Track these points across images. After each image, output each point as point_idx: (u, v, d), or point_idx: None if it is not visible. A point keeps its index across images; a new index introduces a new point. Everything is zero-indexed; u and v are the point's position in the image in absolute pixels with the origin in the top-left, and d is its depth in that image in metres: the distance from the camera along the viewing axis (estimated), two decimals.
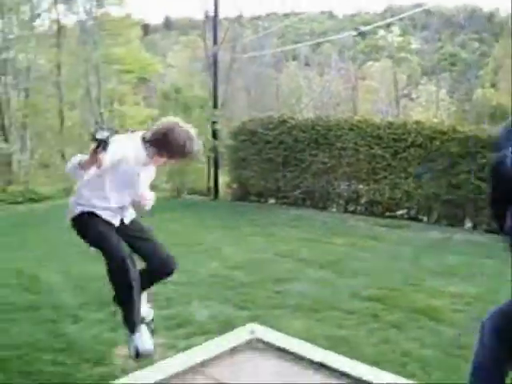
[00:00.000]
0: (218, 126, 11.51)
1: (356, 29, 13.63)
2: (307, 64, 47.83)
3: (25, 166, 13.60)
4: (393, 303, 4.51)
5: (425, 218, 9.15)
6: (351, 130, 9.58)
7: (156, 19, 65.91)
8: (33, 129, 17.14)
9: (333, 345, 3.51)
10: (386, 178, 9.24)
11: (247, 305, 4.38)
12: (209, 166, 12.58)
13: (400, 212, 9.36)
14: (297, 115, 14.00)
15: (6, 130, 14.73)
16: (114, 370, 3.14)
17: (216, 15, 12.50)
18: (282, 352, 3.18)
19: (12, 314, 4.07)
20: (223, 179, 12.56)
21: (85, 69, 15.62)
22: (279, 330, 3.73)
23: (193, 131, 3.12)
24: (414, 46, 45.84)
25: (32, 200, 9.79)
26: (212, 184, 12.34)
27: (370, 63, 44.86)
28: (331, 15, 65.47)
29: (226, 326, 3.80)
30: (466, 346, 3.30)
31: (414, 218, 9.14)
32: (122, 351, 3.40)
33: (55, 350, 3.40)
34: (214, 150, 11.55)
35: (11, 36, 15.79)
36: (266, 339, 3.30)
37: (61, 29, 16.05)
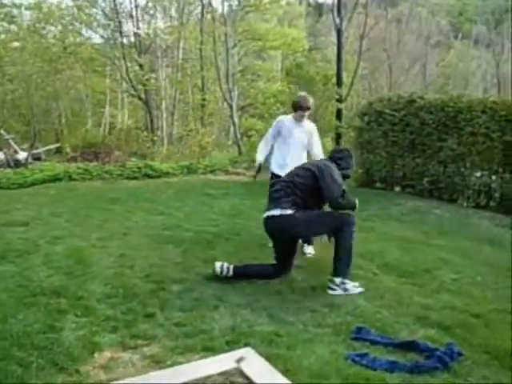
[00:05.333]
0: (341, 105, 10.64)
1: None
2: (477, 43, 43.86)
3: (154, 141, 14.08)
4: (465, 337, 3.51)
5: None
6: (484, 112, 8.13)
7: None
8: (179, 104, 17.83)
9: None
10: None
11: (282, 315, 3.74)
12: None
13: None
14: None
15: (150, 105, 15.44)
16: (74, 382, 2.78)
17: None
18: None
19: (34, 297, 3.91)
20: None
21: (223, 47, 15.64)
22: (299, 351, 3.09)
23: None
24: None
25: (147, 176, 9.95)
26: None
27: None
28: None
29: (236, 342, 3.26)
30: None
31: None
32: (99, 359, 3.04)
33: (35, 347, 3.12)
34: (336, 130, 10.73)
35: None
36: (247, 372, 2.67)
37: (204, 9, 16.31)
